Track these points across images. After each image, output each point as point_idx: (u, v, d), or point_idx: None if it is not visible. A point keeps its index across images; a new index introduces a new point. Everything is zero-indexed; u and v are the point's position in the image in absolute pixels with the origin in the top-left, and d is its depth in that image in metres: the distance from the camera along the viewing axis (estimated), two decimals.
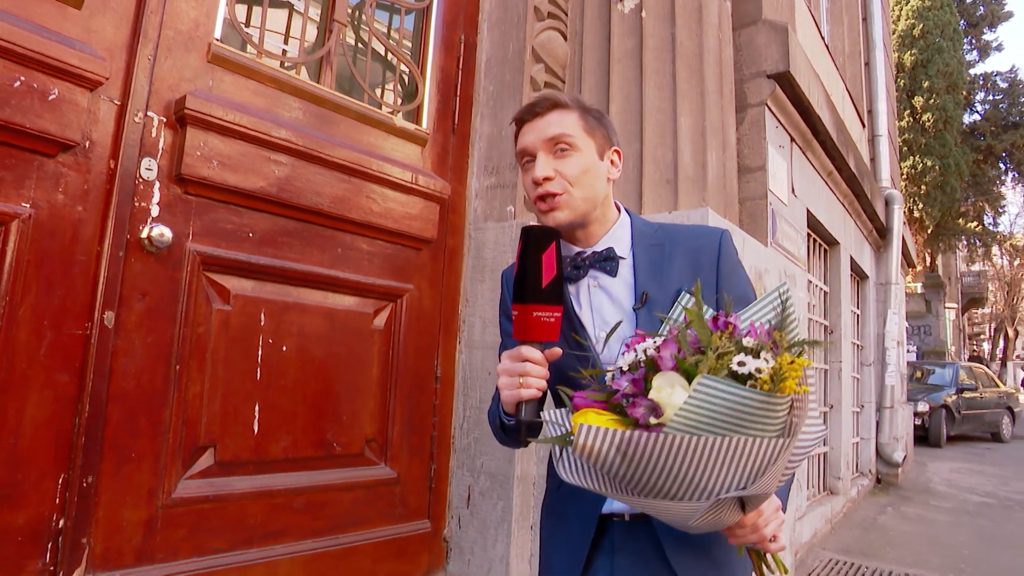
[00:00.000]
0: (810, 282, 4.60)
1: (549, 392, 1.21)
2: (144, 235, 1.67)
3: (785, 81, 3.51)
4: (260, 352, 1.90)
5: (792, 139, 3.98)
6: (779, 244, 3.65)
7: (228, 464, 1.83)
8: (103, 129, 1.64)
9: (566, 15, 2.87)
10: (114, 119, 1.66)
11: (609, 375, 0.98)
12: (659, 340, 0.91)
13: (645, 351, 0.92)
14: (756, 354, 0.85)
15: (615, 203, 1.27)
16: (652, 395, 0.87)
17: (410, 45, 2.57)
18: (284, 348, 1.96)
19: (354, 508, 2.13)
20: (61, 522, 1.53)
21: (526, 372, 1.07)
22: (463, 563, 2.41)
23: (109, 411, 1.63)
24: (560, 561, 1.19)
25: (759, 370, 0.84)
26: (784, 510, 1.04)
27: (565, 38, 2.86)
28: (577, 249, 1.22)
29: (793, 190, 4.00)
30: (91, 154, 1.61)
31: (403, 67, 2.50)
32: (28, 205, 1.51)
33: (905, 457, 6.57)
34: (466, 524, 2.43)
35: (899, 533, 4.55)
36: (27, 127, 1.48)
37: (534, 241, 1.06)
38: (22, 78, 1.49)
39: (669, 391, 0.86)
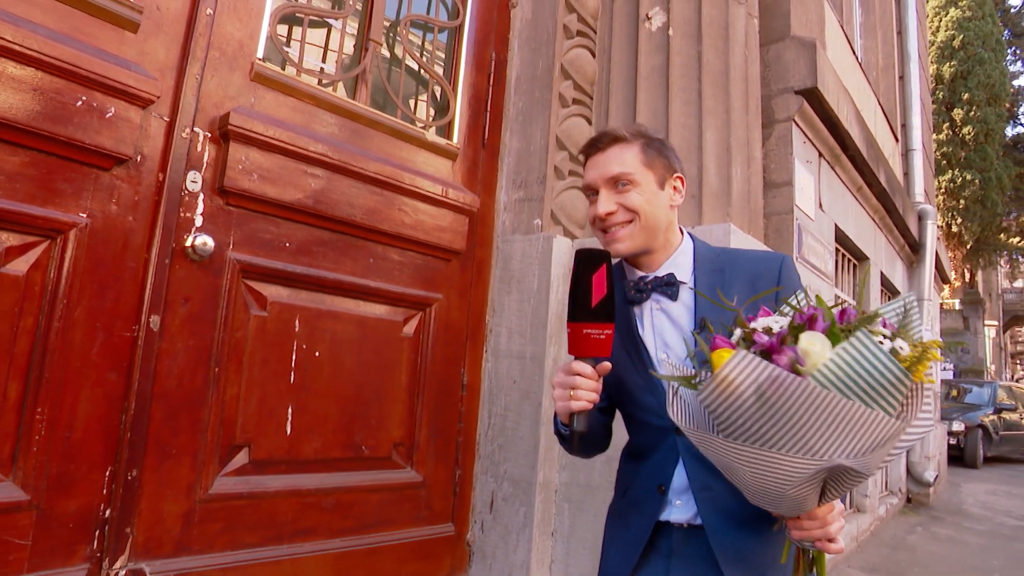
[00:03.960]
0: (838, 297, 4.58)
1: (618, 411, 1.36)
2: (188, 244, 1.77)
3: (813, 97, 3.53)
4: (294, 357, 1.99)
5: (820, 154, 3.99)
6: (805, 259, 3.66)
7: (262, 463, 1.92)
8: (153, 144, 1.75)
9: (595, 33, 2.94)
10: (163, 135, 1.77)
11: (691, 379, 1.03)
12: (803, 309, 0.96)
13: (790, 315, 0.97)
14: (893, 339, 0.91)
15: (680, 228, 1.31)
16: (800, 346, 0.91)
17: (442, 62, 2.66)
18: (317, 353, 2.05)
19: (380, 509, 2.20)
20: (107, 512, 1.63)
21: (576, 385, 1.12)
22: (485, 567, 2.47)
23: (153, 409, 1.73)
24: (617, 558, 1.27)
25: (901, 348, 0.89)
26: None
27: (593, 55, 2.93)
28: (640, 273, 1.27)
29: (821, 205, 4.01)
30: (142, 167, 1.72)
31: (435, 83, 2.59)
32: (85, 215, 1.62)
33: (937, 477, 6.46)
34: (489, 529, 2.49)
35: (928, 554, 4.48)
36: (86, 143, 1.60)
37: (585, 262, 1.12)
38: (83, 97, 1.60)
39: (819, 346, 0.90)
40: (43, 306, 1.56)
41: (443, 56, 2.68)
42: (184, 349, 1.78)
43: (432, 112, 2.58)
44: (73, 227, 1.60)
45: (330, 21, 2.31)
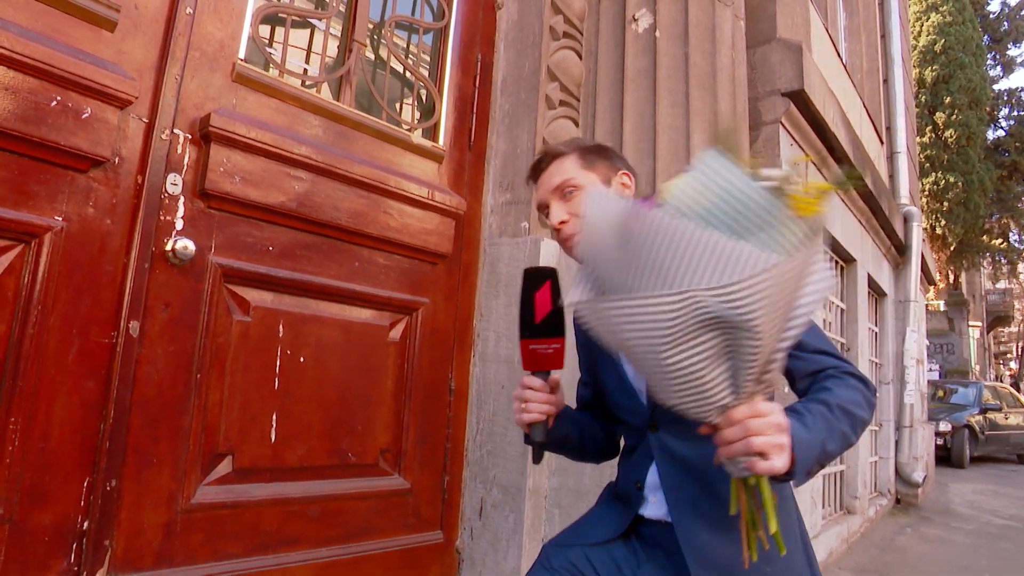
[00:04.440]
0: (826, 299, 4.59)
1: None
2: (168, 248, 1.73)
3: (799, 99, 3.53)
4: (278, 362, 1.95)
5: (807, 156, 3.99)
6: None
7: (245, 471, 1.88)
8: (132, 146, 1.71)
9: (581, 34, 2.92)
10: (142, 136, 1.73)
11: None
12: None
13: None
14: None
15: None
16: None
17: (428, 64, 2.64)
18: (301, 359, 2.01)
19: (367, 517, 2.16)
20: (85, 524, 1.59)
21: (526, 399, 1.19)
22: (474, 574, 2.43)
23: (132, 417, 1.68)
24: (592, 523, 1.30)
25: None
26: (806, 469, 0.93)
27: (580, 57, 2.91)
28: None
29: None
30: (120, 169, 1.68)
31: (421, 85, 2.56)
32: (60, 218, 1.58)
33: (925, 477, 6.48)
34: (478, 536, 2.46)
35: (917, 554, 4.49)
36: (61, 144, 1.55)
37: (530, 281, 1.18)
38: (58, 98, 1.56)
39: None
40: (16, 312, 1.51)
41: (428, 58, 2.65)
42: (164, 355, 1.74)
43: (418, 114, 2.55)
44: (48, 231, 1.55)
45: (313, 22, 2.27)
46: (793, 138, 3.73)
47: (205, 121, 1.82)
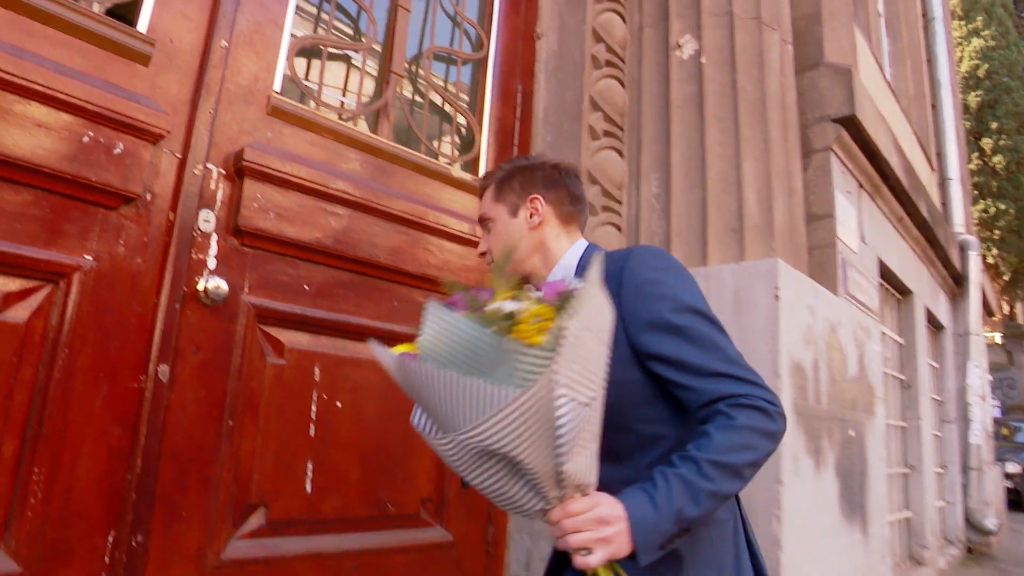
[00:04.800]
0: (883, 334, 4.36)
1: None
2: (200, 287, 1.65)
3: (851, 125, 3.38)
4: (314, 407, 1.84)
5: (860, 184, 3.83)
6: (851, 295, 3.47)
7: (279, 524, 1.76)
8: (164, 181, 1.65)
9: (623, 62, 2.84)
10: (175, 171, 1.67)
11: None
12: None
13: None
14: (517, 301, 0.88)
15: (579, 242, 1.28)
16: None
17: (467, 95, 2.57)
18: (338, 403, 1.90)
19: (407, 571, 2.02)
20: None
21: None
22: None
23: (160, 467, 1.59)
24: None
25: (500, 309, 0.86)
26: (651, 548, 0.95)
27: (623, 86, 2.83)
28: None
29: (863, 238, 3.83)
30: (151, 206, 1.62)
31: (460, 117, 2.49)
32: (90, 257, 1.51)
33: (999, 525, 6.07)
34: None
35: None
36: (93, 180, 1.50)
37: None
38: (90, 133, 1.51)
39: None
40: (43, 355, 1.44)
41: (467, 89, 2.59)
42: (195, 401, 1.65)
43: (457, 147, 2.47)
44: (77, 270, 1.49)
45: (350, 54, 2.22)
46: (845, 165, 3.58)
47: (239, 156, 1.76)
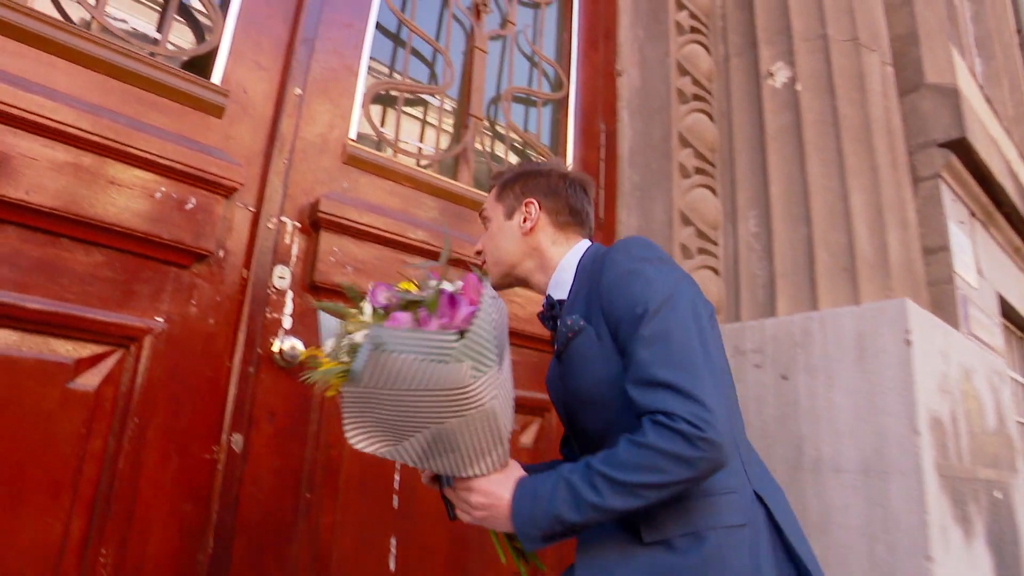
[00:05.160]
0: (1014, 380, 3.93)
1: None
2: (275, 349, 1.54)
3: (961, 149, 3.10)
4: (397, 476, 1.68)
5: (971, 213, 3.50)
6: (974, 335, 3.12)
7: None
8: (237, 237, 1.56)
9: (711, 95, 2.67)
10: (248, 226, 1.58)
11: None
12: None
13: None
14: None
15: (580, 243, 1.25)
16: None
17: (549, 137, 2.44)
18: None
19: None
20: None
21: None
22: None
23: (234, 545, 1.45)
24: None
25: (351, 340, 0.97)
26: (531, 538, 0.98)
27: (712, 119, 2.65)
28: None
29: (980, 271, 3.47)
30: (224, 263, 1.53)
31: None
32: (161, 319, 1.42)
33: None
34: None
35: None
36: (164, 238, 1.41)
37: None
38: (163, 189, 1.43)
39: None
40: (113, 425, 1.34)
41: (548, 131, 2.46)
42: (270, 472, 1.51)
43: None
44: (148, 333, 1.39)
45: (426, 98, 2.13)
46: (955, 193, 3.27)
47: (314, 207, 1.66)
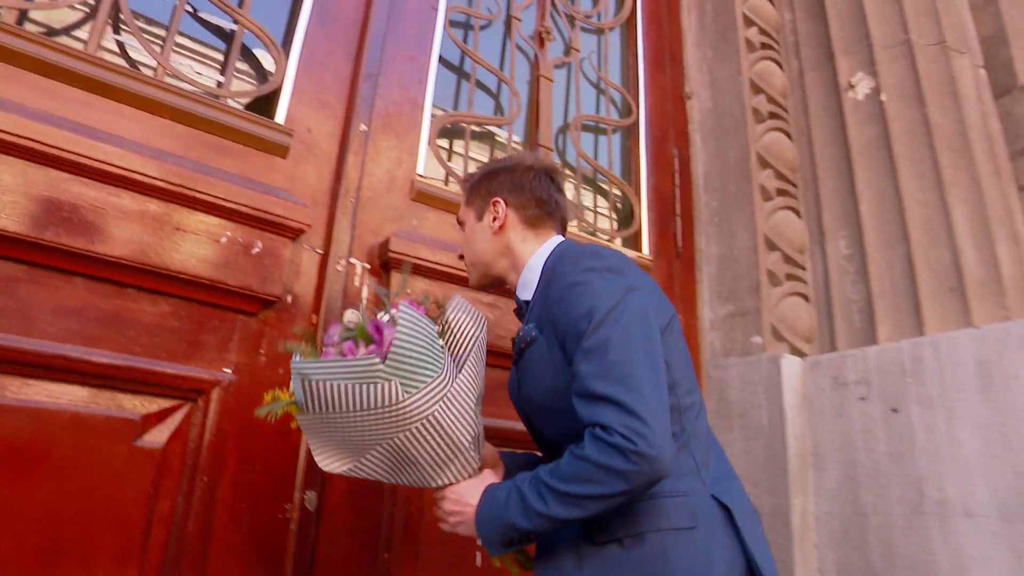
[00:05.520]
0: None
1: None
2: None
3: None
4: None
5: None
6: None
7: None
8: (305, 281, 1.48)
9: (787, 112, 2.52)
10: (316, 269, 1.51)
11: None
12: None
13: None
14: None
15: (549, 240, 1.21)
16: None
17: (620, 165, 2.33)
18: None
19: None
20: None
21: None
22: None
23: None
24: None
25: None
26: (491, 543, 1.01)
27: (790, 138, 2.50)
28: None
29: None
30: (293, 309, 1.45)
31: (615, 189, 2.25)
32: (229, 370, 1.34)
33: None
34: None
35: None
36: (231, 285, 1.35)
37: None
38: (228, 233, 1.37)
39: None
40: (181, 484, 1.26)
41: (619, 158, 2.35)
42: (346, 531, 1.40)
43: (615, 221, 2.22)
44: (216, 386, 1.32)
45: (493, 129, 2.06)
46: None
47: (384, 247, 1.58)
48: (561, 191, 1.28)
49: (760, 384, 2.07)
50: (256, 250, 1.39)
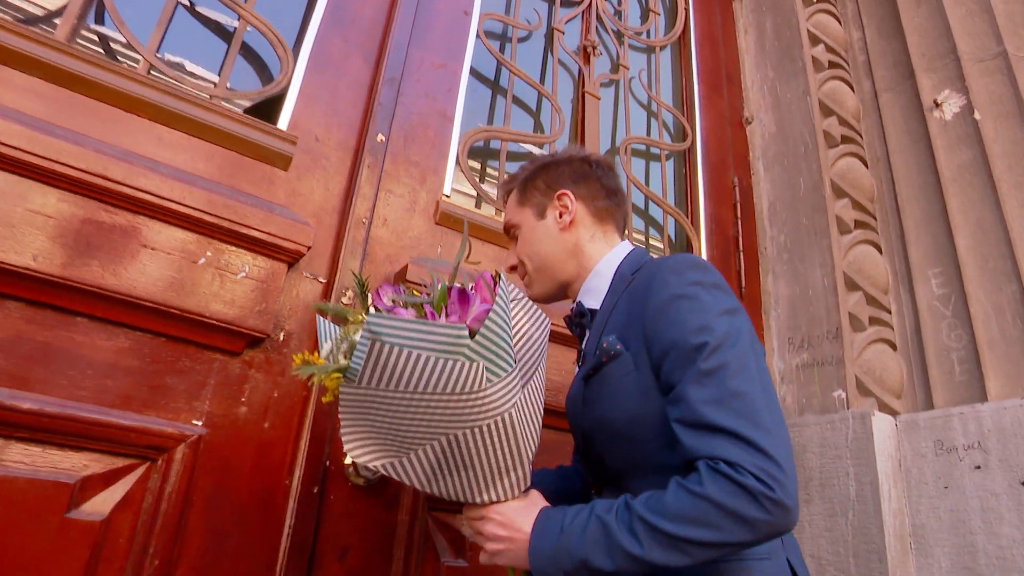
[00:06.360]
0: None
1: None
2: (348, 461, 1.16)
3: None
4: None
5: None
6: None
7: None
8: (302, 315, 1.22)
9: (862, 137, 2.24)
10: (317, 301, 1.25)
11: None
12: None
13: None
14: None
15: (619, 246, 1.09)
16: None
17: (674, 193, 2.06)
18: None
19: None
20: None
21: None
22: None
23: None
24: None
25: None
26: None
27: (866, 165, 2.21)
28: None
29: None
30: (285, 349, 1.18)
31: (669, 218, 1.97)
32: (199, 423, 1.07)
33: None
34: None
35: None
36: (207, 316, 1.09)
37: None
38: (208, 254, 1.12)
39: None
40: (126, 569, 0.97)
41: (673, 188, 2.08)
42: None
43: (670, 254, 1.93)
44: (182, 442, 1.04)
45: (532, 148, 1.80)
46: None
47: (401, 276, 1.32)
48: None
49: (846, 447, 1.73)
50: (242, 275, 1.14)
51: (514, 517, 0.89)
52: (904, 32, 2.32)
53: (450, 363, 0.77)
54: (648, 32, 2.20)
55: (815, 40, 2.35)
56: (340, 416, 0.85)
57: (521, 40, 1.88)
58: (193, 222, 1.11)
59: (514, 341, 0.90)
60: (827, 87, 2.26)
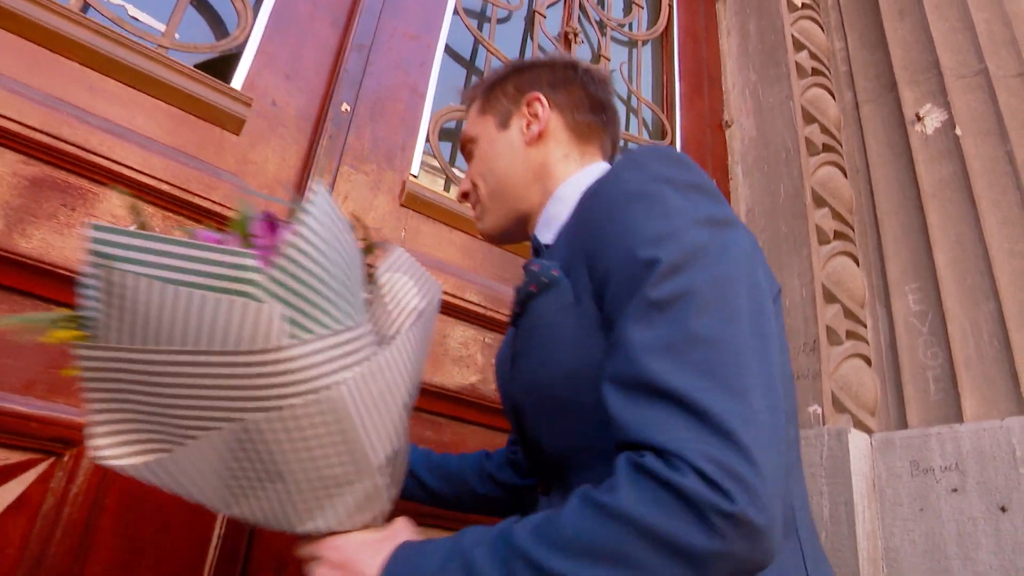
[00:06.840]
0: None
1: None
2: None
3: None
4: None
5: None
6: None
7: None
8: None
9: (841, 146, 2.19)
10: None
11: None
12: None
13: None
14: None
15: (595, 165, 0.81)
16: None
17: None
18: None
19: None
20: None
21: None
22: None
23: None
24: None
25: None
26: None
27: (845, 175, 2.16)
28: None
29: None
30: None
31: None
32: None
33: None
34: None
35: None
36: None
37: None
38: (141, 221, 0.98)
39: None
40: None
41: None
42: None
43: None
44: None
45: None
46: None
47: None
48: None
49: (820, 466, 1.66)
50: None
51: (356, 557, 0.60)
52: (887, 44, 2.28)
53: (224, 303, 0.51)
54: (631, 25, 2.12)
55: (799, 46, 2.30)
56: (87, 397, 0.59)
57: (501, 21, 1.77)
58: (125, 181, 0.96)
59: (386, 309, 0.65)
60: (810, 94, 2.21)
